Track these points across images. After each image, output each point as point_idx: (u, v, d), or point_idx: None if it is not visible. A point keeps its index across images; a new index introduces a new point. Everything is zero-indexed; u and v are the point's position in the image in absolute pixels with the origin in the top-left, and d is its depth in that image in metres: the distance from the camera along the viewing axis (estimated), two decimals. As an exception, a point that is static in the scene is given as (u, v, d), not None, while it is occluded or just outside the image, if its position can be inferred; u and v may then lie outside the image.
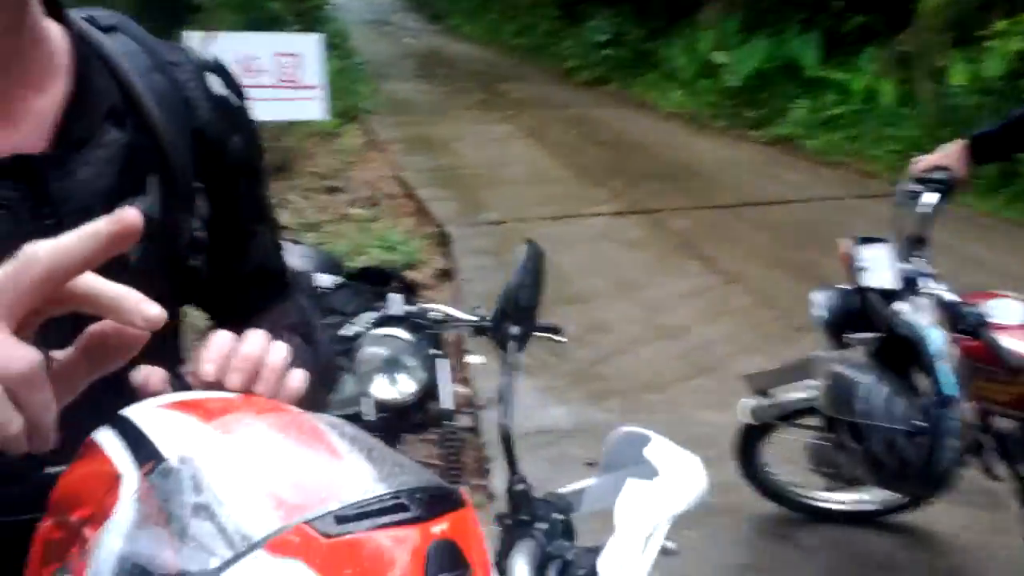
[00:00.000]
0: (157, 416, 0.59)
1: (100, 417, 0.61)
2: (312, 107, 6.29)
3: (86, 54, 0.80)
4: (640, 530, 0.94)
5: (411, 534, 0.52)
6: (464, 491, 0.61)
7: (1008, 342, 2.18)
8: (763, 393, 2.83)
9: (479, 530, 0.59)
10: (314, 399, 0.76)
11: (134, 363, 0.67)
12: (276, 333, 0.77)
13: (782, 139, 9.14)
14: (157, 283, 0.84)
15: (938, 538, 2.96)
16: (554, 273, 5.52)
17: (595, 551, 0.95)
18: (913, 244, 2.36)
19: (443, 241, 6.08)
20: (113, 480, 0.54)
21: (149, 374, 0.67)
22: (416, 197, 7.09)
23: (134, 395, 0.66)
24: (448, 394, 2.05)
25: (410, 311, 2.07)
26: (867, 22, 9.50)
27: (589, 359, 4.30)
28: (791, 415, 2.78)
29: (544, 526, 1.10)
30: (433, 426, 2.12)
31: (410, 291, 2.25)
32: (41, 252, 0.50)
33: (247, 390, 0.70)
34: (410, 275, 4.17)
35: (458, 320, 2.07)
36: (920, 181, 2.39)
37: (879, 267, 2.33)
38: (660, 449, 1.07)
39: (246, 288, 0.99)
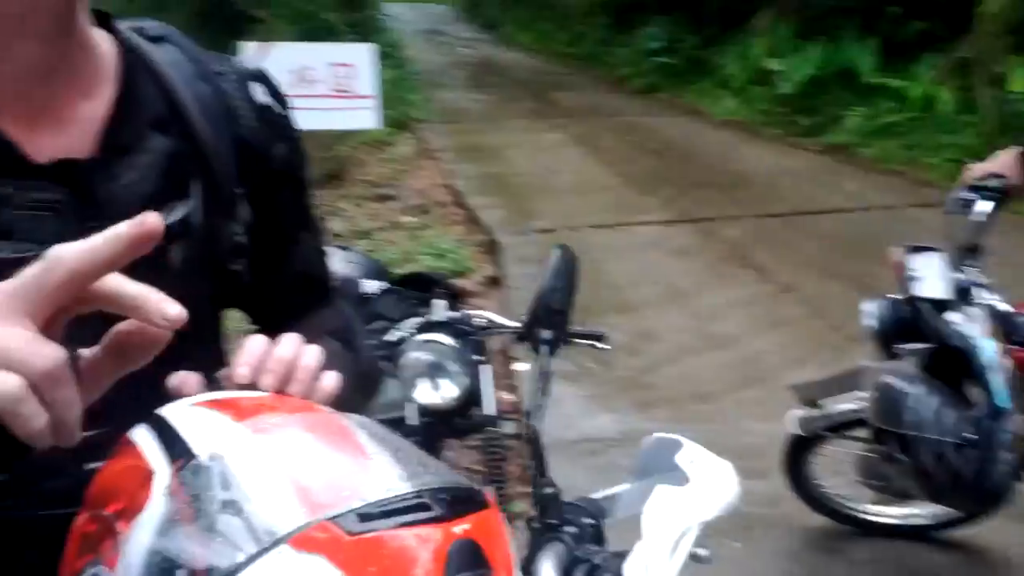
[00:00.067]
0: (191, 414, 0.61)
1: (140, 417, 0.63)
2: (365, 116, 6.34)
3: (133, 63, 0.83)
4: (667, 536, 0.93)
5: (433, 533, 0.53)
6: (489, 493, 0.61)
7: (1064, 354, 2.13)
8: (811, 404, 2.79)
9: (504, 532, 0.60)
10: (352, 403, 0.77)
11: (177, 365, 0.70)
12: (316, 338, 0.78)
13: (837, 147, 9.01)
14: (198, 286, 0.86)
15: (992, 555, 2.89)
16: (603, 281, 5.51)
17: (622, 556, 0.95)
18: (966, 253, 2.31)
19: (492, 249, 6.10)
20: (146, 476, 0.56)
21: (185, 379, 0.69)
22: (466, 205, 7.13)
23: (172, 397, 0.68)
24: (491, 400, 2.05)
25: (453, 317, 2.08)
26: (925, 28, 9.32)
27: (637, 368, 4.28)
28: (840, 426, 2.73)
29: (573, 530, 1.10)
30: (476, 432, 2.13)
31: (454, 297, 2.26)
32: (66, 254, 0.52)
33: (280, 391, 0.71)
34: (459, 283, 4.19)
35: (500, 326, 2.08)
36: (974, 189, 2.34)
37: (931, 276, 2.29)
38: (692, 455, 1.07)
39: (289, 294, 1.00)
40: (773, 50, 10.82)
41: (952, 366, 2.19)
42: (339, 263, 2.22)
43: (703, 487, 1.02)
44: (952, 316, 2.19)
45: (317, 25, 8.75)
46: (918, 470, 2.18)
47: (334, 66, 6.16)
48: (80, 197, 0.76)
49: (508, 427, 2.08)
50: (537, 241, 6.14)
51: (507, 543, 0.59)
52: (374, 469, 0.56)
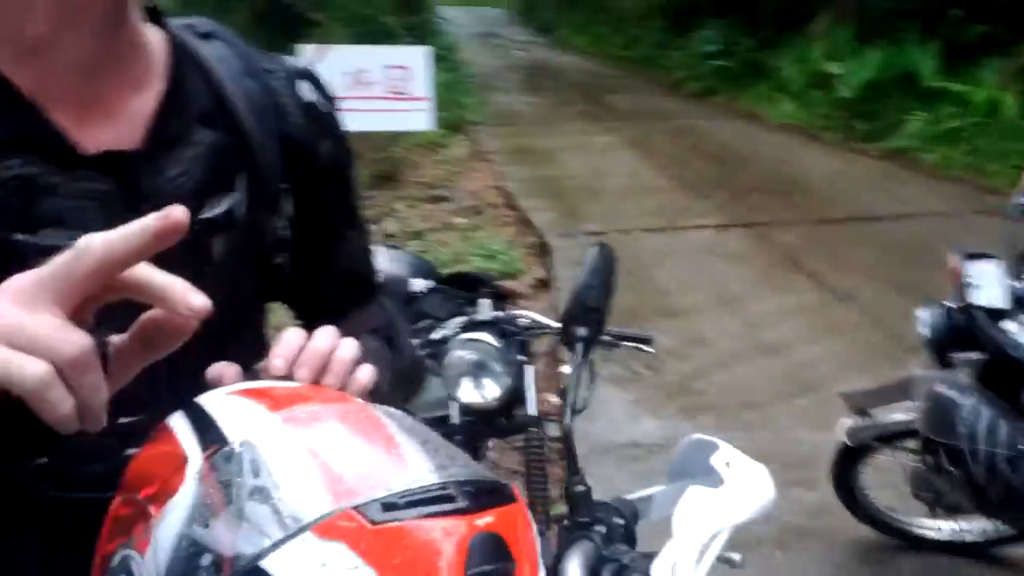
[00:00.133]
0: (227, 402, 0.62)
1: (180, 406, 0.64)
2: (420, 118, 6.40)
3: (181, 58, 0.85)
4: (697, 537, 0.92)
5: (456, 525, 0.53)
6: (516, 488, 0.61)
7: None
8: (862, 413, 2.74)
9: (530, 527, 0.60)
10: (392, 400, 0.78)
11: (219, 355, 0.71)
12: (358, 335, 0.79)
13: (897, 152, 8.85)
14: (240, 278, 0.88)
15: (1049, 573, 2.82)
16: (654, 285, 5.47)
17: (651, 556, 0.94)
18: (1025, 261, 2.26)
19: (542, 251, 6.10)
20: (180, 462, 0.57)
21: (223, 370, 0.71)
22: (518, 207, 7.14)
23: (212, 388, 0.69)
24: (533, 401, 2.05)
25: (498, 316, 2.09)
26: (987, 31, 9.11)
27: (686, 373, 4.24)
28: (891, 437, 2.68)
29: (602, 529, 1.10)
30: (519, 432, 2.13)
31: (500, 297, 2.27)
32: (95, 243, 0.54)
33: (315, 383, 0.72)
34: (509, 284, 4.21)
35: (544, 326, 2.08)
36: (1034, 195, 2.29)
37: (988, 284, 2.24)
38: (728, 457, 1.06)
39: (333, 290, 1.01)
40: (831, 53, 10.66)
41: (1007, 377, 2.14)
42: (387, 262, 2.24)
43: (737, 490, 1.00)
44: (1009, 325, 2.14)
45: (374, 28, 8.85)
46: (970, 483, 2.13)
47: (389, 68, 6.23)
48: (126, 188, 0.77)
49: (551, 429, 2.08)
50: (587, 244, 6.12)
51: (532, 538, 0.59)
52: (402, 460, 0.56)
